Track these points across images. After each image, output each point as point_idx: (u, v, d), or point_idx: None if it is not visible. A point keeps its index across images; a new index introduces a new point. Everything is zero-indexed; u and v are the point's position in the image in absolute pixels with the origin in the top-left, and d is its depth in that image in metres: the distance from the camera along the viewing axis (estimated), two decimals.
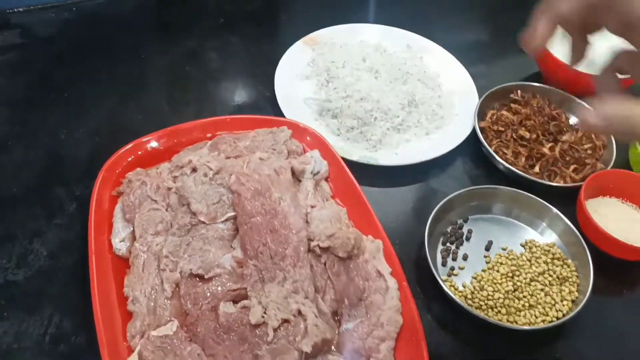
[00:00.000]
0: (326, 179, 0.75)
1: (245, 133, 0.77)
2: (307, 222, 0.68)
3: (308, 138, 0.77)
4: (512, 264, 0.70)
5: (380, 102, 0.82)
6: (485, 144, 0.79)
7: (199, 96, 0.86)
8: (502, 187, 0.75)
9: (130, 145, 0.73)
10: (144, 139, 0.74)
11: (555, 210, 0.73)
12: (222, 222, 0.68)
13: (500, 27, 1.04)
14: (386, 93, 0.83)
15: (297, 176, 0.73)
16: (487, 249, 0.73)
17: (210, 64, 0.91)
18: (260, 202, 0.67)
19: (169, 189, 0.70)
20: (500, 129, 0.82)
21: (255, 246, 0.64)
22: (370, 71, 0.86)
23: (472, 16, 1.06)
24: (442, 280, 0.66)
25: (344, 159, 0.75)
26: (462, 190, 0.74)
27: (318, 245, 0.65)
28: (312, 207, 0.70)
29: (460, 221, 0.75)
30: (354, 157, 0.77)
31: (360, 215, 0.71)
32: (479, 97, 0.85)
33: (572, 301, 0.67)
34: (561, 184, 0.78)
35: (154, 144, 0.75)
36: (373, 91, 0.83)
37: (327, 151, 0.76)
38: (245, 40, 0.95)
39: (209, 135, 0.77)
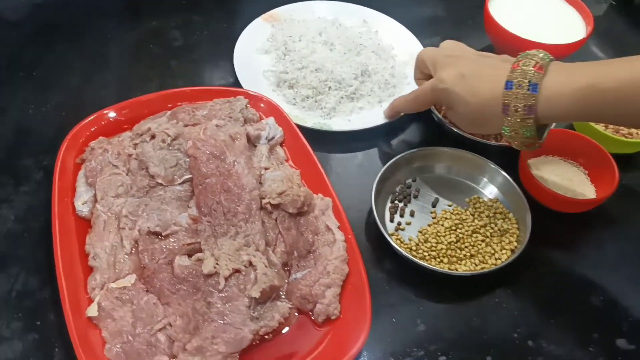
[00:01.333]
0: (281, 144, 0.79)
1: (204, 103, 0.81)
2: (260, 183, 0.72)
3: (262, 105, 0.81)
4: (456, 219, 0.74)
5: (334, 72, 0.86)
6: (434, 109, 0.83)
7: (162, 72, 0.90)
8: (446, 148, 0.79)
9: (93, 116, 0.77)
10: (107, 110, 0.78)
11: (493, 165, 0.77)
12: (180, 184, 0.72)
13: (456, 2, 1.08)
14: (340, 64, 0.87)
15: (252, 142, 0.77)
16: (434, 205, 0.77)
17: (174, 42, 0.95)
18: (215, 165, 0.71)
19: (130, 155, 0.74)
20: None
21: (209, 204, 0.68)
22: (326, 44, 0.90)
23: None
24: (388, 234, 0.70)
25: (299, 126, 0.79)
26: (408, 152, 0.78)
27: (269, 202, 0.69)
28: (265, 169, 0.74)
29: (409, 181, 0.79)
30: (308, 124, 0.81)
31: (312, 177, 0.74)
32: None
33: (511, 250, 0.71)
34: (506, 144, 0.82)
35: (116, 114, 0.78)
36: (327, 62, 0.87)
37: (282, 119, 0.80)
38: (208, 19, 0.99)
39: (169, 105, 0.81)
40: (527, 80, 0.62)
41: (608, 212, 0.77)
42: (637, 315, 0.69)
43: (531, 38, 0.88)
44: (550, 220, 0.76)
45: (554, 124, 0.69)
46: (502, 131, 0.66)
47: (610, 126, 0.83)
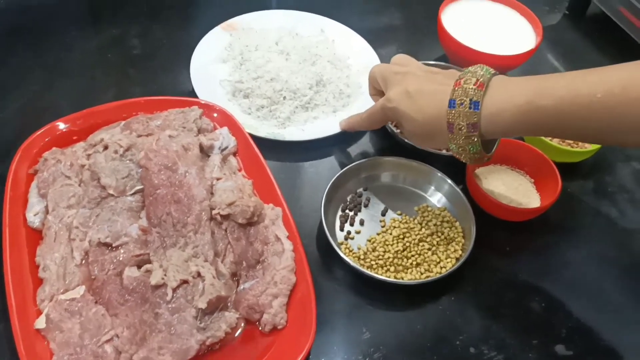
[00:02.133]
0: (234, 154, 0.80)
1: (158, 113, 0.81)
2: (212, 193, 0.74)
3: (216, 115, 0.82)
4: (404, 227, 0.76)
5: (289, 82, 0.87)
6: None
7: (120, 81, 0.91)
8: (396, 157, 0.81)
9: (47, 127, 0.77)
10: (61, 120, 0.79)
11: (441, 174, 0.79)
12: (131, 194, 0.72)
13: (413, 11, 1.10)
14: (295, 73, 0.88)
15: (205, 152, 0.78)
16: (383, 214, 0.79)
17: (133, 50, 0.95)
18: (166, 176, 0.72)
19: (82, 166, 0.74)
20: None
21: (159, 215, 0.69)
22: (282, 53, 0.91)
23: (388, 2, 1.12)
24: (336, 243, 0.72)
25: (253, 136, 0.81)
26: (359, 161, 0.79)
27: (219, 213, 0.71)
28: (217, 179, 0.75)
29: (359, 190, 0.80)
30: (262, 134, 0.82)
31: (264, 186, 0.76)
32: None
33: (456, 259, 0.73)
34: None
35: (70, 125, 0.79)
36: (283, 72, 0.88)
37: (236, 128, 0.81)
38: (167, 27, 0.99)
39: (124, 116, 0.81)
40: (468, 99, 0.63)
41: (551, 219, 0.80)
42: (575, 321, 0.71)
43: (482, 49, 0.90)
44: (495, 228, 0.78)
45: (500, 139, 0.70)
46: (450, 148, 0.67)
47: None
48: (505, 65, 0.94)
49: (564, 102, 0.58)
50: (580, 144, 0.85)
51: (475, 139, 0.64)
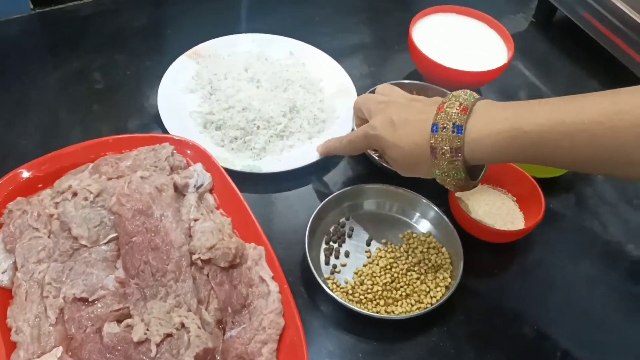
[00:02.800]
0: (210, 191, 0.77)
1: (128, 153, 0.78)
2: (190, 235, 0.71)
3: (189, 151, 0.79)
4: (390, 257, 0.74)
5: (262, 110, 0.84)
6: None
7: (84, 117, 0.87)
8: (378, 184, 0.79)
9: (9, 175, 0.73)
10: (25, 167, 0.74)
11: (425, 200, 0.78)
12: (105, 244, 0.69)
13: (383, 28, 1.08)
14: (267, 101, 0.86)
15: (180, 191, 0.75)
16: (368, 244, 0.77)
17: (96, 84, 0.91)
18: (141, 221, 0.69)
19: (51, 215, 0.71)
20: None
21: (136, 265, 0.66)
22: (252, 81, 0.89)
23: (356, 19, 1.10)
24: (320, 278, 0.70)
25: (228, 170, 0.78)
26: (340, 190, 0.77)
27: (200, 258, 0.68)
28: (195, 220, 0.72)
29: (342, 220, 0.78)
30: (237, 167, 0.79)
31: (244, 224, 0.73)
32: None
33: (446, 287, 0.72)
34: None
35: (35, 171, 0.75)
36: (254, 100, 0.85)
37: (210, 163, 0.78)
38: (131, 57, 0.96)
39: (92, 157, 0.78)
40: (451, 123, 0.62)
41: (536, 237, 0.79)
42: (568, 343, 0.71)
43: (454, 65, 0.89)
44: (481, 250, 0.77)
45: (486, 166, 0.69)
46: (435, 175, 0.66)
47: None
48: (478, 82, 0.93)
49: (547, 129, 0.57)
50: None
51: (459, 164, 0.63)
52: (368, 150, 0.83)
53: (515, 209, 0.80)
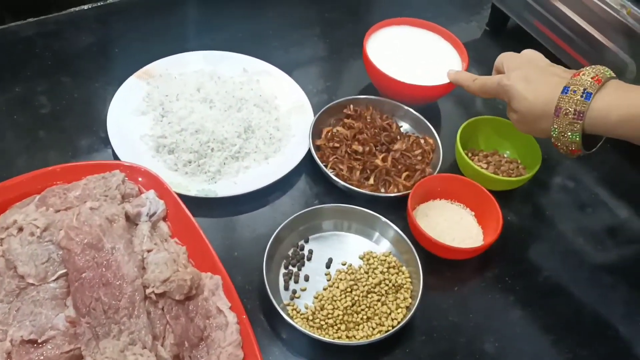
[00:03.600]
0: (164, 219, 0.75)
1: (76, 182, 0.75)
2: (143, 267, 0.69)
3: (140, 178, 0.76)
4: (350, 279, 0.73)
5: (216, 132, 0.83)
6: (319, 162, 0.82)
7: (30, 145, 0.84)
8: (337, 204, 0.78)
9: None
10: None
11: (384, 219, 0.77)
12: (54, 280, 0.66)
13: (337, 41, 1.07)
14: (221, 122, 0.84)
15: (132, 220, 0.73)
16: (328, 266, 0.76)
17: (41, 108, 0.88)
18: (91, 256, 0.66)
19: None
20: (336, 145, 0.85)
21: (87, 303, 0.63)
22: (205, 101, 0.87)
23: (309, 32, 1.08)
24: (279, 306, 0.68)
25: (182, 195, 0.76)
26: (300, 212, 0.76)
27: (154, 292, 0.66)
28: (148, 251, 0.70)
29: (301, 242, 0.77)
30: (192, 192, 0.77)
31: (199, 252, 0.71)
32: (315, 115, 0.88)
33: (406, 307, 0.72)
34: (394, 193, 0.82)
35: None
36: (208, 122, 0.83)
37: (163, 190, 0.76)
38: (77, 79, 0.92)
39: (39, 187, 0.74)
40: (582, 88, 0.66)
41: (495, 251, 0.79)
42: (530, 357, 0.71)
43: (409, 79, 0.88)
44: (442, 268, 0.77)
45: (603, 138, 0.72)
46: (551, 132, 0.69)
47: (491, 165, 0.85)
48: (433, 95, 0.93)
49: None
50: (515, 172, 0.85)
51: (578, 127, 0.66)
52: (328, 170, 0.82)
53: (473, 223, 0.81)
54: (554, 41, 1.02)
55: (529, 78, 0.71)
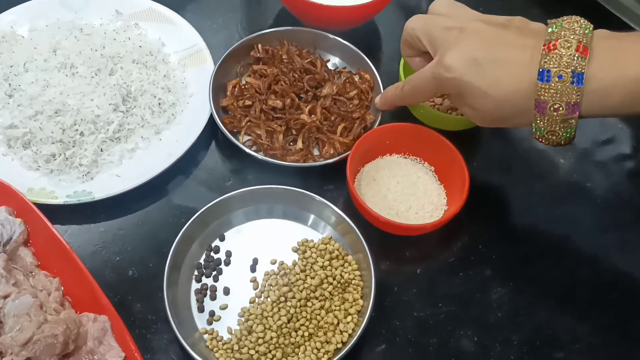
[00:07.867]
0: (25, 244, 0.56)
1: None
2: (0, 321, 0.51)
3: None
4: (283, 284, 0.57)
5: (83, 110, 0.62)
6: (226, 131, 0.63)
7: None
8: (256, 187, 0.60)
9: None
10: None
11: (318, 198, 0.59)
12: None
13: None
14: (88, 95, 0.63)
15: None
16: (253, 269, 0.59)
17: None
18: None
19: None
20: (247, 102, 0.66)
21: None
22: (64, 67, 0.65)
23: None
24: (191, 338, 0.52)
25: (48, 206, 0.57)
26: (209, 204, 0.58)
27: None
28: (4, 298, 0.52)
29: (215, 243, 0.60)
30: (59, 201, 0.58)
31: (77, 282, 0.54)
32: (215, 64, 0.67)
33: (358, 312, 0.56)
34: (330, 156, 0.64)
35: None
36: (70, 97, 0.62)
37: (18, 203, 0.56)
38: None
39: None
40: (569, 70, 0.47)
41: (460, 214, 0.61)
42: (518, 350, 0.57)
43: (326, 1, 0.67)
44: (398, 247, 0.61)
45: None
46: (533, 130, 0.51)
47: (446, 100, 0.66)
48: (364, 15, 0.73)
49: None
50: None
51: (573, 122, 0.49)
52: (242, 139, 0.63)
53: (433, 181, 0.63)
54: None
55: (478, 60, 0.50)
